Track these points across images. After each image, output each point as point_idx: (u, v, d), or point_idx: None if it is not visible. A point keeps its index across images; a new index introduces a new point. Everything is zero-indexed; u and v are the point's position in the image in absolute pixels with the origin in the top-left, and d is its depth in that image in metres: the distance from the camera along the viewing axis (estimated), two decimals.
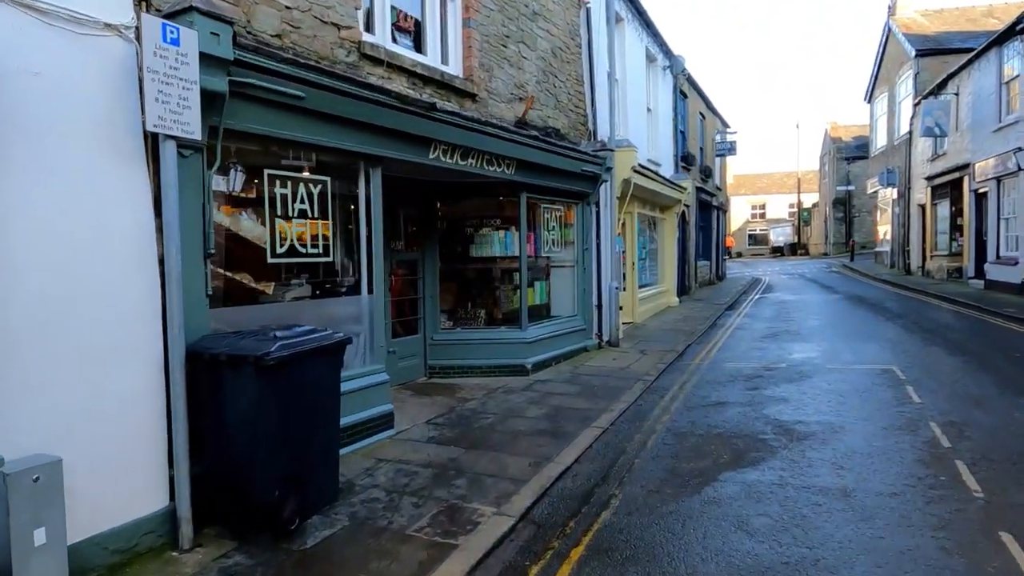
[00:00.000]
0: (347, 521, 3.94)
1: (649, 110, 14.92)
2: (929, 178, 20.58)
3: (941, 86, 19.25)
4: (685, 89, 18.56)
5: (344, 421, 4.98)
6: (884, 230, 27.93)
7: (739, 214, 53.02)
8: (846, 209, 40.73)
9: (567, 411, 6.35)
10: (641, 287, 13.74)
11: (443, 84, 6.54)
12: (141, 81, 3.45)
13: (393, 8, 6.27)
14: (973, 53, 17.20)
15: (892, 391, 6.84)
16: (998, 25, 19.28)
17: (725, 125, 24.98)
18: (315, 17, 5.04)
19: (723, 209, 27.44)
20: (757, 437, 5.45)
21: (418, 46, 6.61)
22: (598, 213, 10.02)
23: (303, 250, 4.95)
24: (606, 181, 9.92)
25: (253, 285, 4.81)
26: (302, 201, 4.90)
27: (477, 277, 8.70)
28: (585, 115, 10.02)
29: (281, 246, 4.76)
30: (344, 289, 5.78)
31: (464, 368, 7.93)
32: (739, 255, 49.28)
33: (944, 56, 20.69)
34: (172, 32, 3.48)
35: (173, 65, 3.50)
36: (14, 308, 3.02)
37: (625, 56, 12.57)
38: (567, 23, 9.42)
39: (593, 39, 10.12)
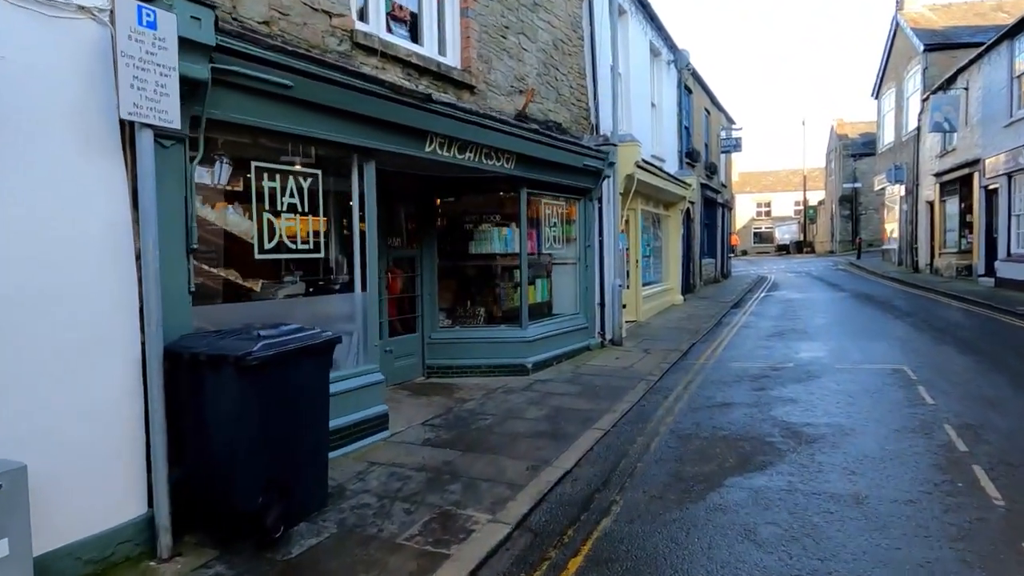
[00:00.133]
0: (335, 528, 3.76)
1: (653, 105, 14.69)
2: (938, 174, 20.28)
3: (950, 81, 18.94)
4: (690, 84, 18.32)
5: (335, 423, 4.82)
6: (891, 227, 27.62)
7: (744, 212, 52.68)
8: (852, 206, 40.37)
9: (568, 412, 6.16)
10: (645, 285, 13.53)
11: (440, 75, 6.35)
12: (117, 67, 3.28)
13: None
14: (983, 47, 16.90)
15: (903, 392, 6.63)
16: (1008, 19, 18.97)
17: (730, 121, 24.72)
18: (305, 4, 4.86)
19: (728, 206, 27.18)
20: (764, 440, 5.25)
21: (415, 36, 6.42)
22: (601, 209, 9.82)
23: (293, 246, 4.77)
24: (609, 176, 9.71)
25: (241, 282, 4.64)
26: (292, 195, 4.73)
27: (477, 274, 8.52)
28: (587, 109, 9.82)
29: (269, 241, 4.58)
30: (338, 287, 5.60)
31: (463, 368, 7.75)
32: (744, 253, 48.95)
33: (953, 51, 20.39)
34: (148, 15, 3.30)
35: (150, 50, 3.32)
36: None
37: (628, 49, 12.35)
38: (569, 15, 9.21)
39: (595, 31, 9.91)
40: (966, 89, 18.19)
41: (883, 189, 27.32)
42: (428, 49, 6.46)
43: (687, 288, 17.64)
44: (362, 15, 5.69)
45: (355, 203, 5.41)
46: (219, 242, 4.55)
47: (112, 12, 3.27)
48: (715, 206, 22.91)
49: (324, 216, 5.16)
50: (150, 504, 3.49)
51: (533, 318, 8.28)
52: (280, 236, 4.66)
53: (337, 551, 3.49)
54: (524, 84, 7.96)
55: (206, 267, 4.32)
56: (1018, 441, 4.99)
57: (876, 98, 28.17)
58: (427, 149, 5.88)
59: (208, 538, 3.62)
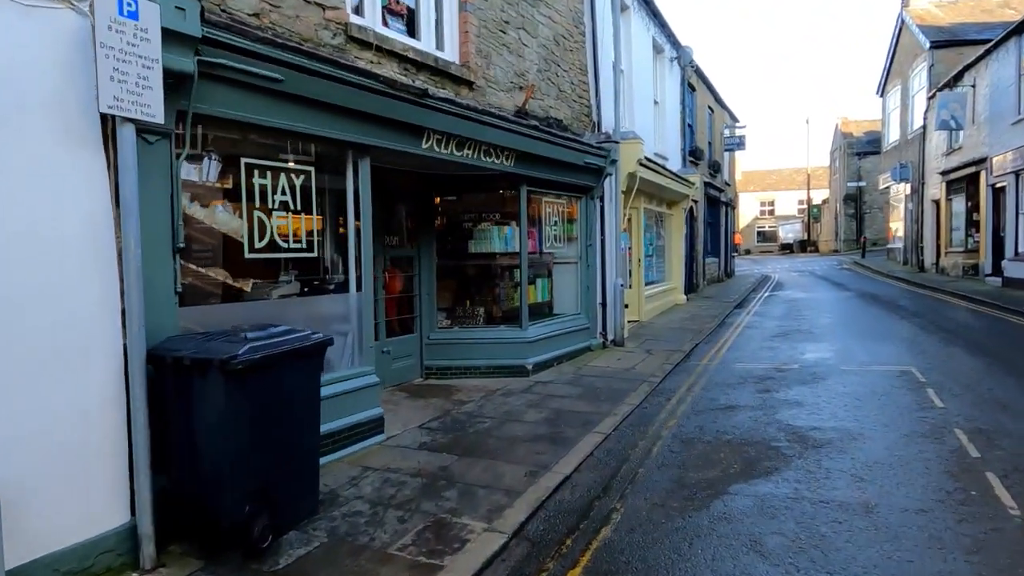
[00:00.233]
0: (325, 537, 3.63)
1: (656, 102, 14.53)
2: (944, 173, 20.07)
3: (957, 78, 18.73)
4: (693, 82, 18.14)
5: (329, 427, 4.71)
6: (896, 226, 27.40)
7: (748, 211, 52.42)
8: (857, 205, 40.10)
9: (568, 415, 6.03)
10: (647, 284, 13.37)
11: (437, 70, 6.21)
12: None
13: None
14: (991, 44, 16.70)
15: (912, 395, 6.47)
16: (1015, 16, 18.78)
17: (734, 119, 24.50)
18: None
19: (732, 205, 26.99)
20: (770, 444, 5.11)
21: (411, 31, 6.28)
22: (603, 208, 9.68)
23: (285, 245, 4.64)
24: (611, 174, 9.56)
25: (231, 282, 4.51)
26: (283, 193, 4.59)
27: (476, 274, 8.39)
28: (589, 106, 9.67)
29: (260, 240, 4.45)
30: (332, 286, 5.47)
31: (462, 369, 7.62)
32: (747, 252, 48.71)
33: (959, 48, 20.18)
34: (130, 4, 3.17)
35: (131, 41, 3.19)
36: None
37: (631, 46, 12.18)
38: (570, 10, 9.06)
39: (597, 27, 9.76)
40: (973, 86, 17.99)
41: (888, 188, 27.09)
42: (425, 44, 6.32)
43: (690, 287, 17.48)
44: (357, 8, 5.55)
45: (349, 200, 5.27)
46: (208, 241, 4.42)
47: (92, 2, 3.13)
48: (718, 205, 22.72)
49: (318, 214, 5.02)
50: (133, 513, 3.37)
51: (533, 318, 8.14)
52: (271, 235, 4.53)
53: (326, 562, 3.36)
54: (524, 80, 7.82)
55: (194, 267, 4.18)
56: None
57: (881, 96, 27.95)
58: (424, 146, 5.74)
59: (193, 548, 3.49)
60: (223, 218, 4.33)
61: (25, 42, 3.01)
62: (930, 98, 20.64)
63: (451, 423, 5.82)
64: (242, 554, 3.39)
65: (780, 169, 57.26)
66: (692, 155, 17.75)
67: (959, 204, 19.68)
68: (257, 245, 4.42)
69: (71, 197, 3.18)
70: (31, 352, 3.00)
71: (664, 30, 14.67)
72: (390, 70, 5.58)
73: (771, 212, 54.68)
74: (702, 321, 12.43)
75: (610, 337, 9.71)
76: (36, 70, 3.05)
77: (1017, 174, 15.53)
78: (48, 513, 3.06)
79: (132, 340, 3.28)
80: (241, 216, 4.35)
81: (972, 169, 17.97)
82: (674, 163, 15.46)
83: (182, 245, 3.79)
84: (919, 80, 22.60)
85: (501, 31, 7.33)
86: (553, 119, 8.46)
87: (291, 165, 4.70)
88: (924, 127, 21.94)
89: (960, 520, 3.68)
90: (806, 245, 48.67)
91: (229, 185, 4.34)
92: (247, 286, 4.59)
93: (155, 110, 3.33)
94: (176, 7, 3.44)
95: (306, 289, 5.28)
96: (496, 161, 6.89)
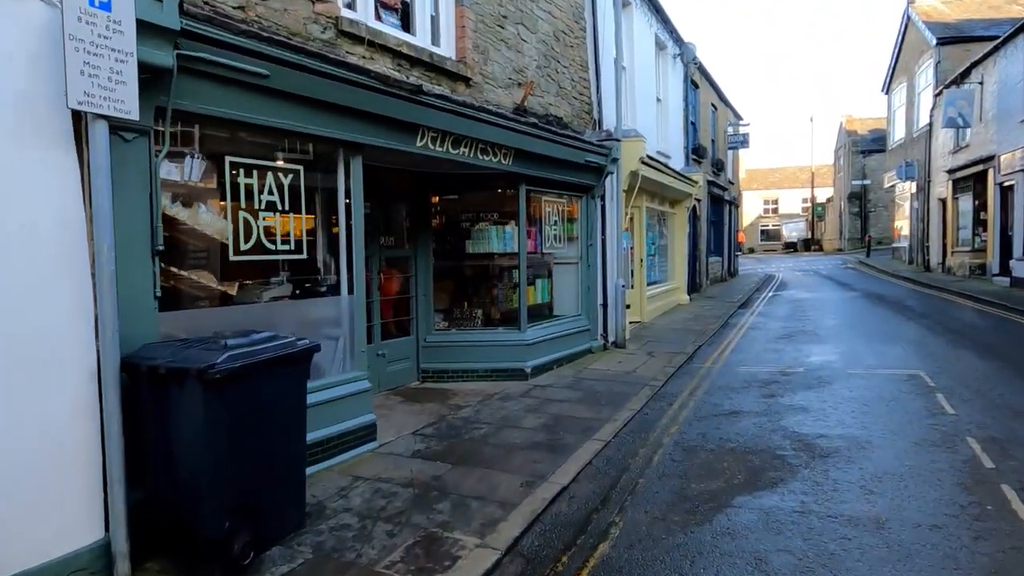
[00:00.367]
0: (311, 553, 3.47)
1: (658, 100, 14.33)
2: (951, 171, 19.81)
3: (964, 75, 18.47)
4: (696, 79, 17.92)
5: (318, 435, 4.55)
6: (901, 225, 27.12)
7: (751, 209, 52.13)
8: (862, 204, 39.80)
9: (567, 421, 5.86)
10: (649, 284, 13.18)
11: (433, 66, 6.04)
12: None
13: None
14: (999, 40, 16.43)
15: (921, 400, 6.29)
16: (1023, 12, 18.51)
17: (738, 117, 24.27)
18: None
19: (735, 204, 26.75)
20: (775, 453, 4.93)
21: (406, 25, 6.11)
22: (603, 207, 9.49)
23: (272, 247, 4.48)
24: (612, 173, 9.37)
25: (215, 285, 4.35)
26: (271, 192, 4.43)
27: (474, 275, 8.22)
28: (590, 103, 9.48)
29: (246, 242, 4.29)
30: (324, 289, 5.31)
31: (459, 372, 7.46)
32: (751, 251, 48.43)
33: (966, 44, 19.91)
34: None
35: (103, 33, 3.03)
36: None
37: (633, 42, 11.98)
38: (571, 5, 8.87)
39: (599, 23, 9.57)
40: (981, 83, 17.73)
41: (893, 186, 26.80)
42: (420, 39, 6.15)
43: (693, 287, 17.28)
44: (349, 2, 5.39)
45: (341, 201, 5.11)
46: (193, 243, 4.26)
47: None
48: (722, 203, 22.51)
49: (307, 215, 4.87)
50: (108, 529, 3.21)
51: (532, 320, 7.97)
52: (258, 236, 4.37)
53: None
54: (523, 77, 7.64)
55: (175, 269, 4.03)
56: None
57: (886, 93, 27.65)
58: (418, 144, 5.57)
59: (172, 565, 3.34)
60: (207, 219, 4.16)
61: None
62: (937, 95, 20.37)
63: (446, 429, 5.66)
64: (222, 571, 3.23)
65: (784, 167, 56.94)
66: (695, 153, 17.54)
67: (966, 203, 19.42)
68: (243, 247, 4.26)
69: (41, 198, 3.03)
70: None
71: (667, 26, 14.47)
72: (383, 66, 5.41)
73: (775, 211, 54.38)
74: (705, 322, 12.24)
75: (611, 339, 9.54)
76: (2, 63, 2.89)
77: None
78: (17, 530, 2.90)
79: (105, 348, 3.12)
80: (226, 217, 4.18)
81: (979, 167, 17.71)
82: (677, 161, 15.26)
83: (162, 247, 3.62)
84: (925, 77, 22.33)
85: (499, 26, 7.15)
86: (553, 116, 8.28)
87: (279, 164, 4.54)
88: (930, 125, 21.68)
89: (976, 537, 3.51)
90: (810, 244, 48.39)
91: (213, 185, 4.19)
92: (233, 289, 4.44)
93: (129, 106, 3.17)
94: None
95: (297, 292, 5.12)
96: (494, 159, 6.71)
